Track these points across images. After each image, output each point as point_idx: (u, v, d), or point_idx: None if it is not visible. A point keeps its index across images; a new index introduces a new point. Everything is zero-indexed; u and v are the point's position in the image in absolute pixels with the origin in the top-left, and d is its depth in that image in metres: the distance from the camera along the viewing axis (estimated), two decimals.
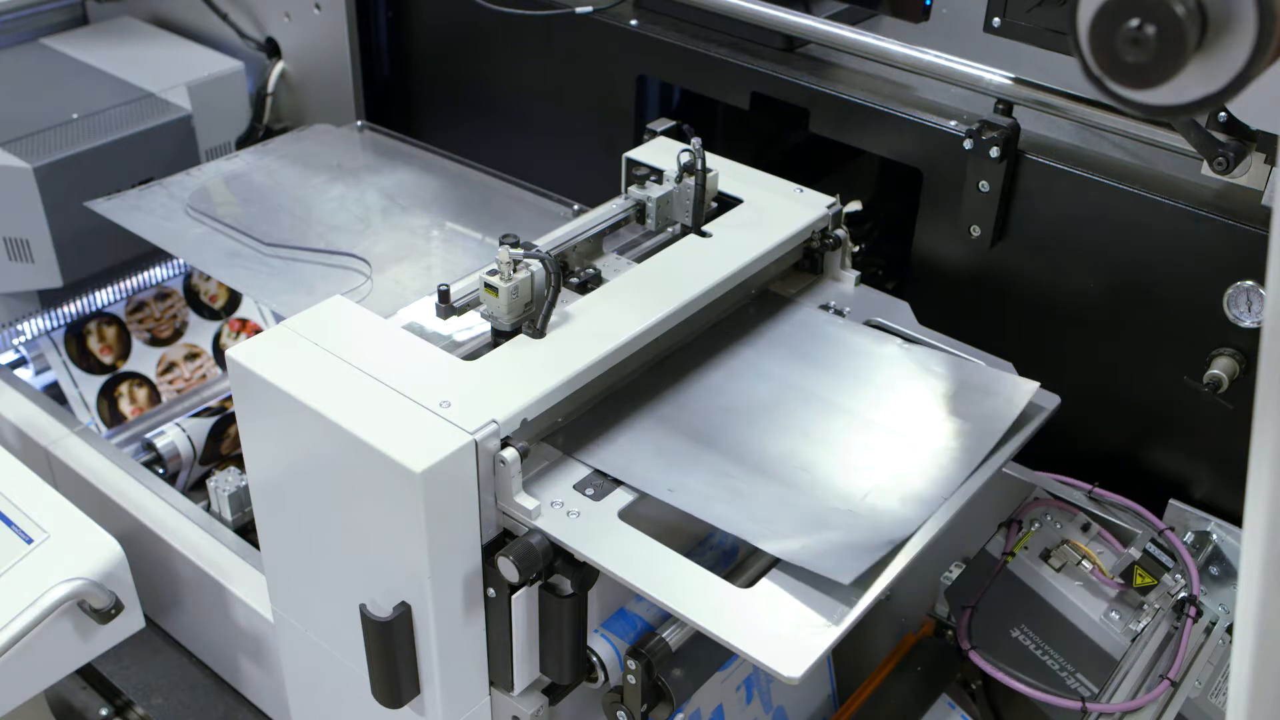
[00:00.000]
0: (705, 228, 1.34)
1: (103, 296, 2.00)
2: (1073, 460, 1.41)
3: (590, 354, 1.13)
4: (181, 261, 2.06)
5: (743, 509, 1.07)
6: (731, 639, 0.96)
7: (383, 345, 1.12)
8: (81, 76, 2.15)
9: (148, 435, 1.77)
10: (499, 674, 1.14)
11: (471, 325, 1.20)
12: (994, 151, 1.40)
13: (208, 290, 2.13)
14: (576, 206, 1.73)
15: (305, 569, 1.18)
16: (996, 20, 1.39)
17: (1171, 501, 1.41)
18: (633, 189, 1.39)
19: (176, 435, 1.76)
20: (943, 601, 1.35)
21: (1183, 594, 1.29)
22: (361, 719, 1.21)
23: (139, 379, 2.02)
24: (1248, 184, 1.27)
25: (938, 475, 1.13)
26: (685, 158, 1.34)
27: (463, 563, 1.05)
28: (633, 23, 1.74)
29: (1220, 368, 1.32)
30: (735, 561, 1.13)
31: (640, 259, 1.32)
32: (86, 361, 1.98)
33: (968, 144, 1.42)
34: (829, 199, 1.40)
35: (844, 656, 1.44)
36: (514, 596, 1.06)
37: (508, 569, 1.02)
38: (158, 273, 2.06)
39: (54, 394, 1.91)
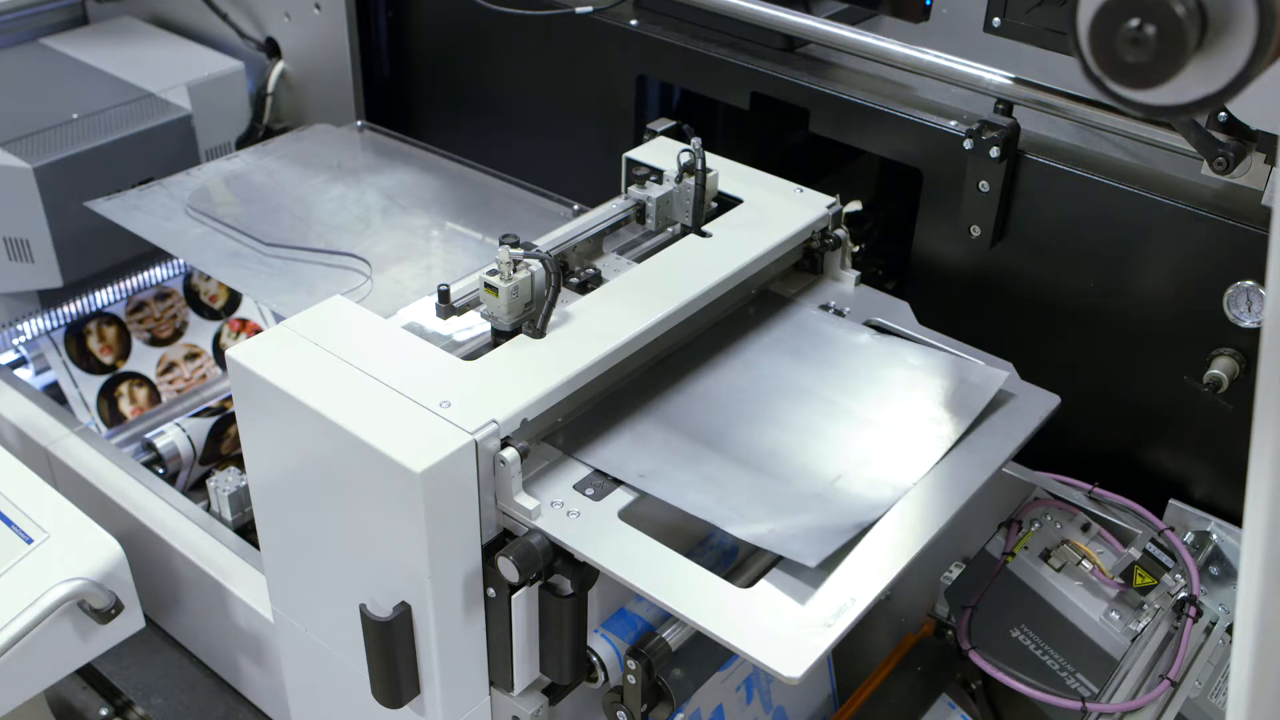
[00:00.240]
0: (705, 228, 1.34)
1: (103, 296, 2.00)
2: (1073, 460, 1.41)
3: (590, 354, 1.13)
4: (181, 261, 2.06)
5: (716, 495, 1.08)
6: (731, 639, 0.96)
7: (383, 345, 1.12)
8: (81, 76, 2.15)
9: (148, 435, 1.77)
10: (499, 674, 1.14)
11: (471, 325, 1.20)
12: (994, 151, 1.40)
13: (208, 290, 2.13)
14: (576, 206, 1.73)
15: (305, 569, 1.18)
16: (996, 20, 1.39)
17: (1171, 501, 1.41)
18: (633, 189, 1.39)
19: (176, 435, 1.76)
20: (943, 601, 1.35)
21: (1183, 594, 1.29)
22: (361, 719, 1.21)
23: (139, 379, 2.02)
24: (1248, 184, 1.27)
25: (908, 461, 1.14)
26: (685, 158, 1.34)
27: (463, 563, 1.05)
28: (633, 23, 1.74)
29: (1220, 368, 1.32)
30: (735, 561, 1.13)
31: (640, 259, 1.32)
32: (86, 361, 1.98)
33: (968, 144, 1.42)
34: (829, 199, 1.40)
35: (844, 656, 1.44)
36: (514, 596, 1.06)
37: (508, 569, 1.02)
38: (158, 273, 2.06)
39: (54, 394, 1.91)
